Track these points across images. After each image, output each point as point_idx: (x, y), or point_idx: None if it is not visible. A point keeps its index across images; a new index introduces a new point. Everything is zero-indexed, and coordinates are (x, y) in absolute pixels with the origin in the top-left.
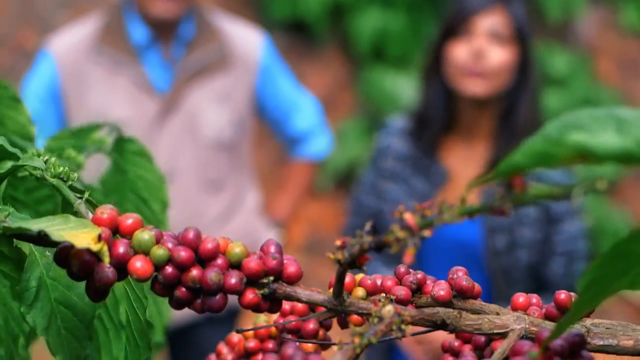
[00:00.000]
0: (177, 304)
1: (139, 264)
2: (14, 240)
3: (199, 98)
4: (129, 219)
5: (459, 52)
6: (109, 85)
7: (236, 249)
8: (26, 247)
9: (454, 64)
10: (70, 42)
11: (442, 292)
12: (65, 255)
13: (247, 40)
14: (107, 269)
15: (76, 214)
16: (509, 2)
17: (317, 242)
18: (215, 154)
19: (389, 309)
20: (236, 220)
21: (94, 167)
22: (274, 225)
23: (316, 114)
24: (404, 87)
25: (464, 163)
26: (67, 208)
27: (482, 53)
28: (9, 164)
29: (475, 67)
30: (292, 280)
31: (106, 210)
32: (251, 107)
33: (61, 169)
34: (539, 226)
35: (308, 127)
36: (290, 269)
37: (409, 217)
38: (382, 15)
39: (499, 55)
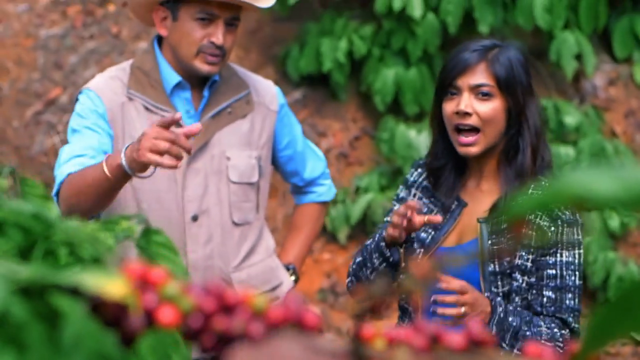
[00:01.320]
0: (203, 350)
1: (167, 313)
2: (50, 292)
3: (225, 141)
4: (157, 271)
5: (449, 110)
6: (144, 126)
7: (259, 300)
8: (61, 298)
9: (447, 121)
10: (107, 82)
11: (458, 342)
12: (98, 305)
13: (266, 88)
14: (137, 318)
15: (105, 267)
16: (491, 58)
17: (331, 289)
18: (240, 195)
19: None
20: (255, 259)
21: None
22: (287, 268)
23: (322, 160)
24: (423, 139)
25: (476, 199)
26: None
27: (468, 111)
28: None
29: (463, 125)
30: (312, 330)
31: (135, 263)
32: (270, 150)
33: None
34: (531, 252)
35: (317, 174)
36: (310, 319)
37: (418, 267)
38: (399, 69)
39: (484, 110)
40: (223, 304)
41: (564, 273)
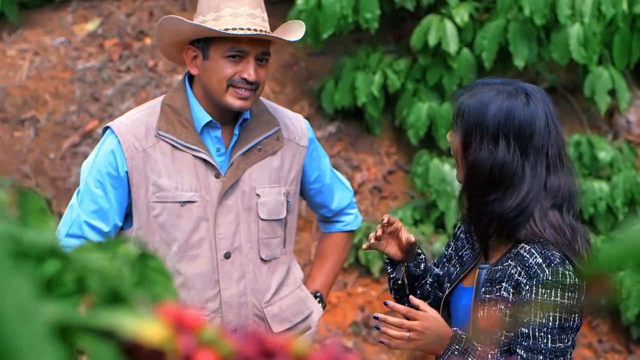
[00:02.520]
0: None
1: (205, 358)
2: (77, 334)
3: (255, 178)
4: (193, 314)
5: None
6: (174, 166)
7: (300, 345)
8: (91, 341)
9: None
10: (131, 126)
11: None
12: (132, 349)
13: (296, 123)
14: None
15: (133, 309)
16: (464, 93)
17: (364, 322)
18: (268, 232)
19: None
20: (285, 292)
21: None
22: (314, 296)
23: (350, 190)
24: (454, 173)
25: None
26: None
27: (449, 138)
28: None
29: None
30: None
31: (170, 305)
32: (299, 185)
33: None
34: (508, 307)
35: (344, 205)
36: None
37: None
38: (433, 103)
39: (452, 142)
40: (263, 349)
41: (537, 334)
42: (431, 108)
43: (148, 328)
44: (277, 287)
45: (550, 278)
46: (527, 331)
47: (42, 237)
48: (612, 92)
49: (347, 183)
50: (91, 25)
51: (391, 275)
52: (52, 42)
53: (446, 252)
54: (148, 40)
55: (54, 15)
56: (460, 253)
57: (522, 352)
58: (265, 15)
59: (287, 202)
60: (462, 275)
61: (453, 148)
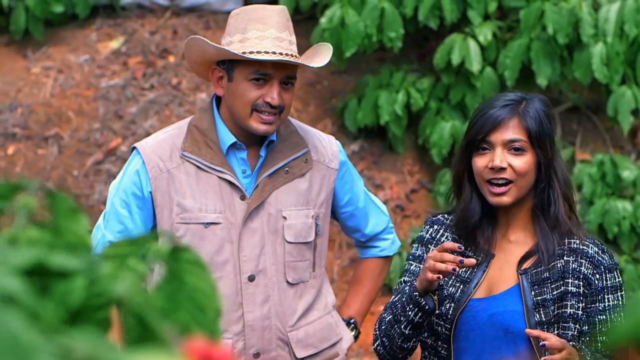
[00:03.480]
0: None
1: None
2: None
3: (282, 200)
4: (220, 351)
5: (481, 165)
6: (198, 188)
7: None
8: None
9: (479, 176)
10: (157, 147)
11: None
12: None
13: (327, 146)
14: None
15: (161, 343)
16: (521, 113)
17: None
18: (295, 255)
19: None
20: (313, 317)
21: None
22: (347, 322)
23: (386, 214)
24: None
25: (504, 249)
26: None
27: (502, 166)
28: (79, 282)
29: (497, 179)
30: None
31: (197, 342)
32: (329, 208)
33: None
34: (581, 300)
35: (379, 230)
36: None
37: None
38: (456, 122)
39: (519, 164)
40: None
41: (614, 317)
42: (454, 127)
43: None
44: (303, 311)
45: (610, 262)
46: (605, 317)
47: (69, 261)
48: (636, 112)
49: (383, 207)
50: (115, 43)
51: (426, 307)
52: (76, 60)
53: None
54: (172, 58)
55: (78, 33)
56: (456, 271)
57: (604, 337)
58: (293, 38)
59: (316, 225)
60: (473, 290)
61: (522, 169)
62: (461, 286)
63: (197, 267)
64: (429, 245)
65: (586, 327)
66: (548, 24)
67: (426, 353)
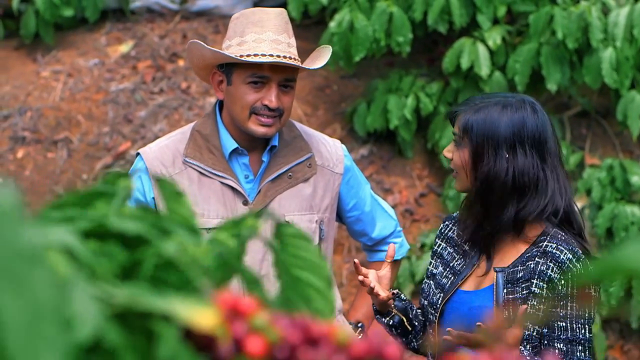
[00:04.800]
0: None
1: (255, 344)
2: (146, 316)
3: (285, 205)
4: (248, 301)
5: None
6: (201, 193)
7: (343, 334)
8: (157, 322)
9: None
10: (159, 152)
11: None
12: (189, 333)
13: (331, 150)
14: (226, 347)
15: (199, 294)
16: (465, 109)
17: None
18: None
19: None
20: None
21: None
22: (354, 326)
23: (393, 218)
24: None
25: (498, 249)
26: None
27: (450, 155)
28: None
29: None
30: None
31: (226, 292)
32: (334, 213)
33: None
34: (542, 302)
35: (386, 234)
36: (391, 352)
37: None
38: None
39: (455, 157)
40: (308, 336)
41: (574, 326)
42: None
43: (201, 314)
44: None
45: (582, 272)
46: (564, 324)
47: (129, 225)
48: None
49: (391, 211)
50: (125, 47)
51: (390, 323)
52: (86, 64)
53: (434, 270)
54: (181, 62)
55: (87, 37)
56: (451, 264)
57: (562, 345)
58: (292, 40)
59: (320, 229)
60: (460, 282)
61: (457, 162)
62: (452, 278)
63: (299, 239)
64: (437, 240)
65: (546, 330)
66: (557, 29)
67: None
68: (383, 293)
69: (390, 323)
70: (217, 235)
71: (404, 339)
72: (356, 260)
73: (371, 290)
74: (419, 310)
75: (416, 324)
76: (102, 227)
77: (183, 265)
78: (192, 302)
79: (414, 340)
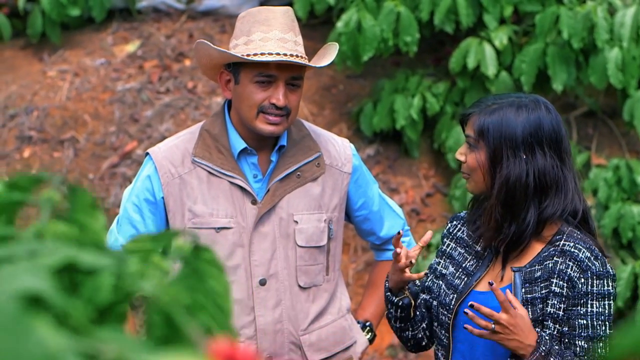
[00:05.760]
0: None
1: None
2: None
3: (293, 204)
4: (245, 352)
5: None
6: (210, 193)
7: None
8: None
9: None
10: (169, 152)
11: None
12: None
13: (340, 150)
14: None
15: (186, 343)
16: (479, 111)
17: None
18: (307, 259)
19: None
20: (326, 320)
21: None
22: (362, 325)
23: (401, 217)
24: None
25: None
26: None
27: (461, 159)
28: (107, 279)
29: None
30: None
31: (222, 343)
32: (343, 212)
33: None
34: (563, 301)
35: (395, 232)
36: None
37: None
38: None
39: (470, 159)
40: None
41: (595, 323)
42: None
43: None
44: (316, 315)
45: (601, 270)
46: (585, 322)
47: (98, 259)
48: None
49: (399, 211)
50: (131, 47)
51: (400, 303)
52: (92, 63)
53: (443, 270)
54: (187, 62)
55: (94, 37)
56: (463, 265)
57: (582, 342)
58: (298, 38)
59: (329, 229)
60: (474, 283)
61: (472, 164)
62: (465, 278)
63: (215, 267)
64: (444, 239)
65: (566, 329)
66: (563, 29)
67: (435, 341)
68: (415, 273)
69: (400, 303)
70: (149, 256)
71: (402, 325)
72: (401, 231)
73: (401, 267)
74: (423, 302)
75: (417, 313)
76: (70, 264)
77: (165, 306)
78: (185, 355)
79: (410, 328)
